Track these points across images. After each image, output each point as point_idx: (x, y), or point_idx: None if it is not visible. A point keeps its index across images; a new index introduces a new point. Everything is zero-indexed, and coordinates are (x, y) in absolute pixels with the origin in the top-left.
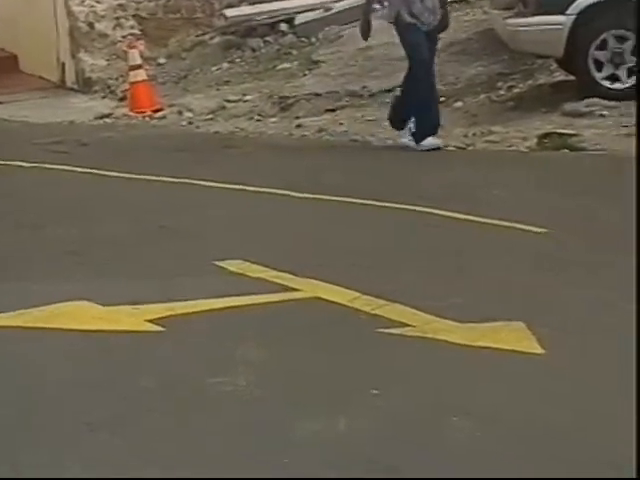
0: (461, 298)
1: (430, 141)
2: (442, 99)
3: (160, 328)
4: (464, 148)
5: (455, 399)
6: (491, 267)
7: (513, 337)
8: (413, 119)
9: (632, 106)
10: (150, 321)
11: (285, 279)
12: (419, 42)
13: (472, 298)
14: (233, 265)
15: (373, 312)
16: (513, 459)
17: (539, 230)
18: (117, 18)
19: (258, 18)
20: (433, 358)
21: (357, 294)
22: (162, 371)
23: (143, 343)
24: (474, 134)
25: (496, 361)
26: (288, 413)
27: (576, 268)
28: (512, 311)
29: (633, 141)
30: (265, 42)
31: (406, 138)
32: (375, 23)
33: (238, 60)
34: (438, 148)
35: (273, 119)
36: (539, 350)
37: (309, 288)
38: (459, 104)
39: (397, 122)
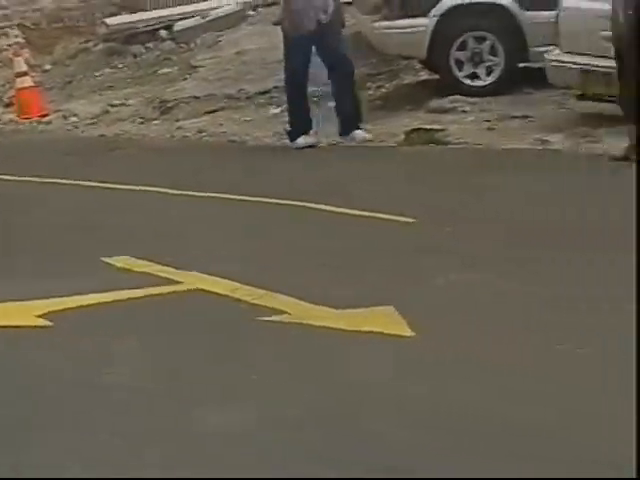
0: (335, 286)
1: (304, 139)
2: (315, 100)
3: (48, 322)
4: (335, 145)
5: (333, 381)
6: (364, 256)
7: (384, 321)
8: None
9: (492, 102)
10: (39, 316)
11: (169, 272)
12: (296, 44)
13: (345, 286)
14: (120, 261)
15: (253, 301)
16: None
17: (408, 220)
18: (2, 28)
19: (138, 26)
20: (309, 343)
21: (238, 285)
22: (41, 367)
23: (28, 338)
24: None
25: (367, 343)
26: (187, 404)
27: (442, 255)
28: (383, 296)
29: (494, 135)
30: (146, 48)
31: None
32: (251, 28)
33: (120, 66)
34: (312, 146)
35: (155, 122)
36: (408, 333)
37: (191, 280)
38: (332, 104)
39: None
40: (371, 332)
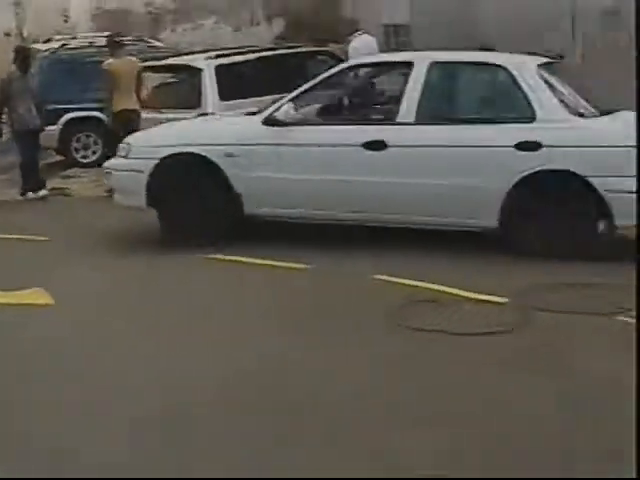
0: (6, 279)
1: (38, 193)
2: None
3: None
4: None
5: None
6: (25, 260)
7: (37, 297)
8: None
9: (96, 171)
10: None
11: None
12: (26, 137)
13: (11, 278)
14: None
15: None
16: None
17: (44, 239)
18: None
19: None
20: None
21: None
22: None
23: None
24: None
25: (27, 310)
26: None
27: (67, 258)
28: (35, 281)
29: (99, 189)
30: None
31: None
32: None
33: None
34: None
35: None
36: (53, 302)
37: None
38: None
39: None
40: (30, 304)
